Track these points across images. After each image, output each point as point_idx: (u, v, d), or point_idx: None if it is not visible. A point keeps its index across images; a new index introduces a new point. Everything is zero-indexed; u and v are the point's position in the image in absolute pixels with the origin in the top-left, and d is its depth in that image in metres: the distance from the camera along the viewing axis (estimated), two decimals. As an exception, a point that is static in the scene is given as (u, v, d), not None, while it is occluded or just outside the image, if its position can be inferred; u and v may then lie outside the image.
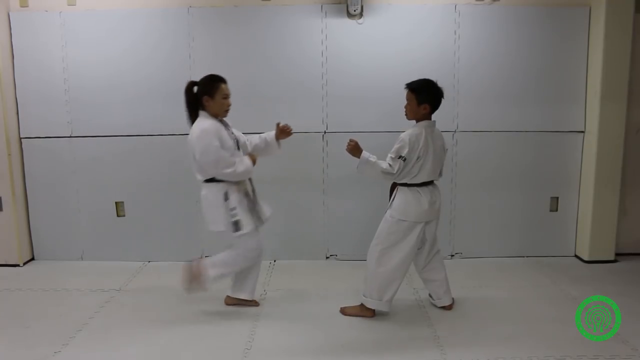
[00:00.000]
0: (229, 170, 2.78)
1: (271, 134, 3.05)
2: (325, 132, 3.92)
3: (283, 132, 3.03)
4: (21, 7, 3.82)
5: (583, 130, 3.97)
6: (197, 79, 3.80)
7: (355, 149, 2.77)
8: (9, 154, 3.83)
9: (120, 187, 3.99)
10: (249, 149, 3.07)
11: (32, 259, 4.09)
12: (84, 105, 3.89)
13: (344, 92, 3.87)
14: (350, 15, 3.79)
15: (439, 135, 2.87)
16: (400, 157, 2.72)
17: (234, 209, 2.83)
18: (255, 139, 3.10)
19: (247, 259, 2.96)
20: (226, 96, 2.87)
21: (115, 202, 4.02)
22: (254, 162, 2.92)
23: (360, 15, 3.79)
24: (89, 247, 4.08)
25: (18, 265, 3.93)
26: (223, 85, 2.85)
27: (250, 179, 3.00)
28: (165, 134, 3.92)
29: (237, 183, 2.88)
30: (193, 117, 2.89)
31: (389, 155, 2.76)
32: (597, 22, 3.76)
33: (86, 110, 3.89)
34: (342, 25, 3.81)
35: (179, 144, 3.91)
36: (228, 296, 3.13)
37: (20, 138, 3.94)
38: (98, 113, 3.89)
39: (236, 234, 2.84)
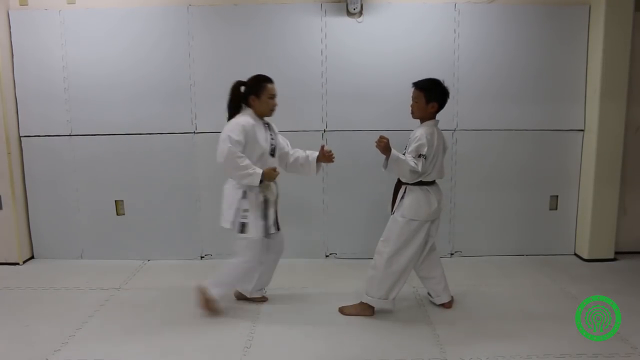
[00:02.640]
0: (236, 173, 2.72)
1: (314, 154, 2.97)
2: (325, 131, 3.91)
3: (325, 156, 2.94)
4: (21, 5, 3.82)
5: (583, 128, 3.97)
6: (197, 77, 3.86)
7: (386, 148, 2.67)
8: (9, 153, 3.83)
9: (120, 185, 3.99)
10: (290, 160, 3.02)
11: (32, 257, 4.09)
12: (84, 104, 3.89)
13: (343, 90, 3.86)
14: (350, 13, 3.79)
15: (441, 133, 2.89)
16: (420, 155, 2.72)
17: (246, 210, 2.80)
18: (299, 152, 3.02)
19: (246, 271, 2.92)
20: (272, 96, 2.86)
21: (115, 201, 4.02)
22: (270, 177, 2.77)
23: (360, 13, 3.79)
24: (89, 245, 4.08)
25: (18, 264, 3.94)
26: (269, 85, 2.85)
27: (276, 186, 2.95)
28: (165, 132, 3.92)
29: (261, 185, 2.77)
30: (233, 115, 2.86)
31: (409, 155, 2.74)
32: (596, 21, 3.76)
33: (86, 108, 3.89)
34: (342, 24, 3.80)
35: (179, 142, 3.93)
36: (237, 290, 3.16)
37: (20, 136, 3.94)
38: (98, 111, 3.89)
39: (240, 236, 2.82)
